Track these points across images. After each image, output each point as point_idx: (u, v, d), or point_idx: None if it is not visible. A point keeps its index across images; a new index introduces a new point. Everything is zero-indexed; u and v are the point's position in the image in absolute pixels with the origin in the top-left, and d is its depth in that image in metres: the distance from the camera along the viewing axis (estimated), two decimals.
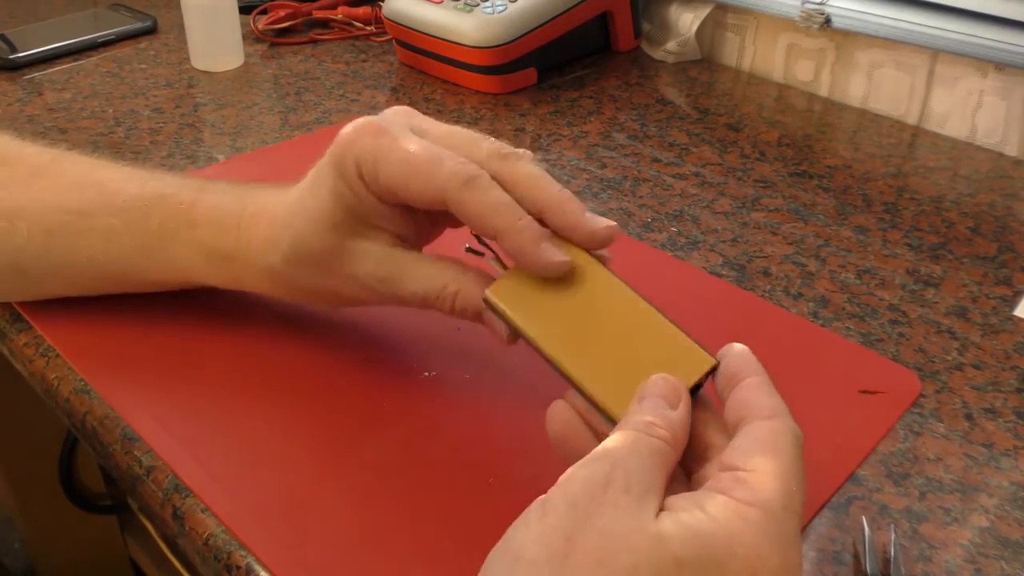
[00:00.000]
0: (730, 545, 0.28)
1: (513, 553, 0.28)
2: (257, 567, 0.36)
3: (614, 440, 0.31)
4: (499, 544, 0.29)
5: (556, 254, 0.36)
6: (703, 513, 0.28)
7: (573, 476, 0.29)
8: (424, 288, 0.40)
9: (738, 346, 0.35)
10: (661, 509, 0.29)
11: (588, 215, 0.38)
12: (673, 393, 0.33)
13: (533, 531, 0.28)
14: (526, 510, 0.29)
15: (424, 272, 0.40)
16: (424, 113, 0.42)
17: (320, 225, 0.41)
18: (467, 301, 0.39)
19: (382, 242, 0.41)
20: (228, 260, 0.44)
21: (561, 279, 0.37)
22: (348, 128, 0.40)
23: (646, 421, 0.31)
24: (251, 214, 0.44)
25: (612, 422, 0.34)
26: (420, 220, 0.42)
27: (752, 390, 0.33)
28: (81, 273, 0.46)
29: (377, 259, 0.41)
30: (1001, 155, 0.71)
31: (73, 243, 0.45)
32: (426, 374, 0.46)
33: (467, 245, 0.40)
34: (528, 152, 0.39)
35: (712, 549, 0.28)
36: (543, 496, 0.29)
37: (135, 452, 0.42)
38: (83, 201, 0.45)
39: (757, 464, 0.30)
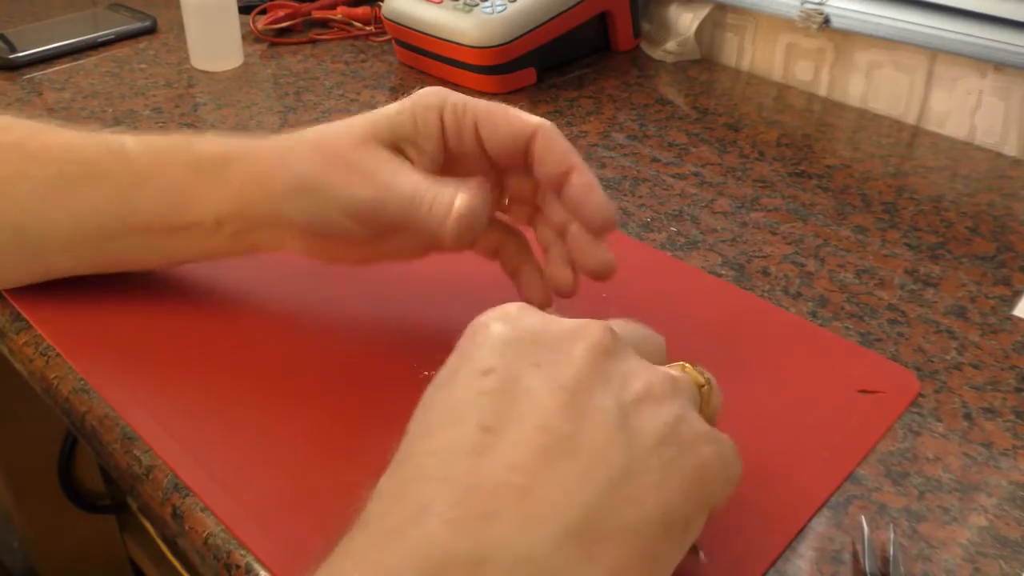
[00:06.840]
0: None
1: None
2: (257, 566, 0.36)
3: None
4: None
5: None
6: None
7: None
8: (415, 182, 0.40)
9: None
10: None
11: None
12: None
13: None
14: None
15: (422, 178, 0.41)
16: None
17: (368, 119, 0.42)
18: (464, 202, 0.40)
19: (409, 159, 0.42)
20: (225, 163, 0.44)
21: None
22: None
23: None
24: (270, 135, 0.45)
25: None
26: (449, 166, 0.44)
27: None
28: (77, 226, 0.45)
29: (392, 162, 0.42)
30: (1000, 155, 0.71)
31: (72, 191, 0.45)
32: (425, 373, 0.46)
33: None
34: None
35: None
36: None
37: (134, 451, 0.42)
38: (86, 151, 0.46)
39: None
